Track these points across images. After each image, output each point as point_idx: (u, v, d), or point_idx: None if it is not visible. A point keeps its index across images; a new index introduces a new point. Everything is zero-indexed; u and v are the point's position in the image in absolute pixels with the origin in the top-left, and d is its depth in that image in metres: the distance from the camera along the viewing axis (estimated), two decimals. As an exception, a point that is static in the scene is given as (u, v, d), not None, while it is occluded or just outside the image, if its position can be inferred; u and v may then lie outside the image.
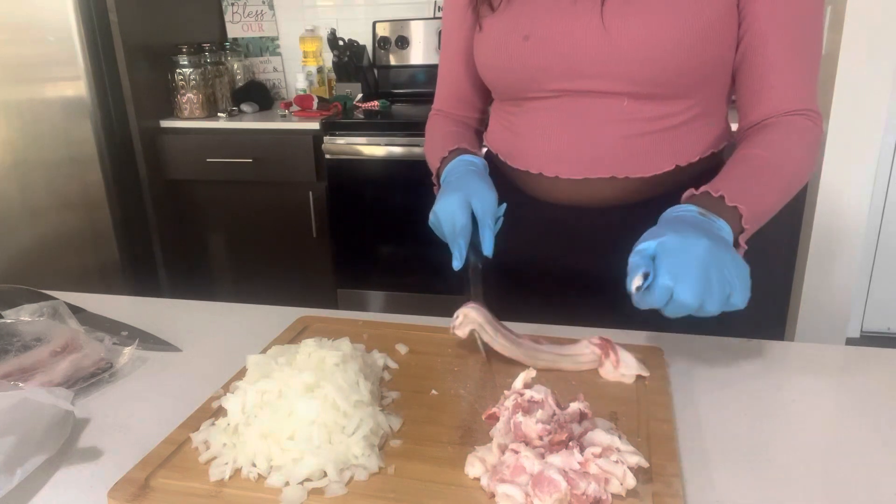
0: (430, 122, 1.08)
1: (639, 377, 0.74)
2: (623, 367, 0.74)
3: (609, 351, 0.75)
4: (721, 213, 0.73)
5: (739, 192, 0.75)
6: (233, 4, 2.93)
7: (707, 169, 0.89)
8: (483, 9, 0.92)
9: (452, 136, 0.99)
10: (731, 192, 0.75)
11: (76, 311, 0.91)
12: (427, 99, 1.10)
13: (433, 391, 0.72)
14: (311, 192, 2.48)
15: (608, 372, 0.75)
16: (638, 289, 0.64)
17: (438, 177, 0.96)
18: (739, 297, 0.65)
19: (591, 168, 0.89)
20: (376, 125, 2.41)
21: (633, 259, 0.66)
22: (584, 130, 0.88)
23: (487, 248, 0.83)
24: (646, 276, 0.64)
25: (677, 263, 0.64)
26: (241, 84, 2.81)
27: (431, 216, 0.88)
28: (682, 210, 0.73)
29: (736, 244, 0.74)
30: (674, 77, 0.83)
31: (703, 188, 0.76)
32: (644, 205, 0.85)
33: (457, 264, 0.82)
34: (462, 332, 0.78)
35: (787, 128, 0.83)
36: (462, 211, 0.83)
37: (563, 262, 0.94)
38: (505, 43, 0.89)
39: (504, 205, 0.88)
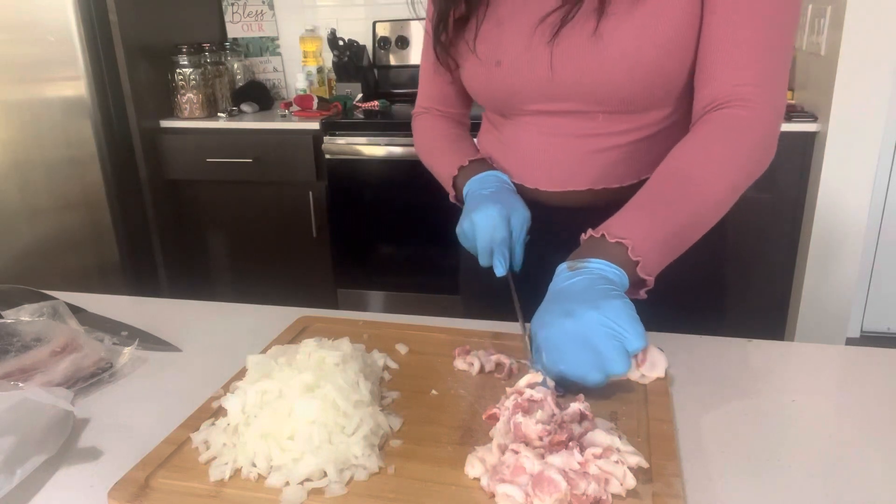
0: (421, 122, 1.08)
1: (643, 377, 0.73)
2: (646, 368, 0.73)
3: None
4: (603, 253, 0.72)
5: (628, 224, 0.74)
6: (233, 4, 2.93)
7: None
8: (453, 59, 0.94)
9: (462, 144, 1.01)
10: (615, 227, 0.73)
11: (76, 311, 0.91)
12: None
13: (433, 391, 0.72)
14: (311, 192, 2.48)
15: (630, 370, 0.72)
16: (558, 388, 0.69)
17: (455, 185, 0.97)
18: (634, 342, 0.65)
19: (568, 182, 0.91)
20: (376, 125, 2.41)
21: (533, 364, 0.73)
22: (561, 146, 0.89)
23: (518, 264, 0.87)
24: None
25: (549, 350, 0.68)
26: (241, 84, 2.81)
27: (465, 223, 0.88)
28: (556, 275, 0.73)
29: (640, 280, 0.73)
30: (643, 95, 0.83)
31: (590, 230, 0.75)
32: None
33: (501, 271, 0.84)
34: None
35: (713, 127, 0.78)
36: (503, 224, 0.86)
37: (552, 261, 0.95)
38: (482, 67, 0.90)
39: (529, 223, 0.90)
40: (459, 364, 0.77)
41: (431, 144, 1.04)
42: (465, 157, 0.97)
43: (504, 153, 0.96)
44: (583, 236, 0.76)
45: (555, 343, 0.67)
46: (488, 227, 0.85)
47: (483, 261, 0.87)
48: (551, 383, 0.68)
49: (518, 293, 0.84)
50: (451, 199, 1.00)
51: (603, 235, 0.73)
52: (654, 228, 0.74)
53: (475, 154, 0.98)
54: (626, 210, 0.76)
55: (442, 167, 1.00)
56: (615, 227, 0.74)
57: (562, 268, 0.74)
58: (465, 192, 0.94)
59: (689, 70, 0.82)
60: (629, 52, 0.79)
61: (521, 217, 0.88)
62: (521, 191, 0.94)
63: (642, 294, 0.75)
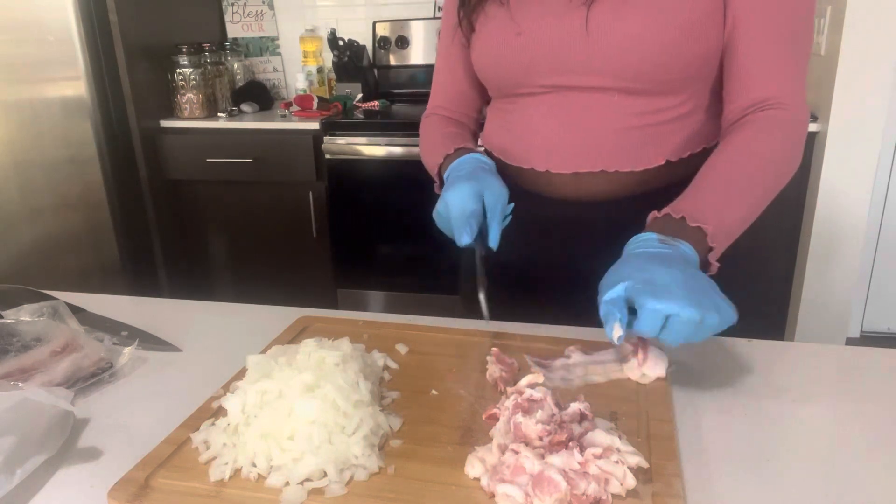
0: (425, 123, 1.08)
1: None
2: (647, 367, 0.73)
3: (638, 349, 0.74)
4: (684, 236, 0.72)
5: (703, 210, 0.75)
6: (233, 4, 2.93)
7: (698, 165, 0.89)
8: (469, 23, 0.94)
9: (454, 137, 1.00)
10: (693, 212, 0.74)
11: (76, 311, 0.91)
12: (427, 99, 1.10)
13: (433, 391, 0.72)
14: (311, 192, 2.48)
15: (630, 369, 0.74)
16: (620, 338, 0.63)
17: (440, 174, 0.96)
18: (727, 312, 0.65)
19: (581, 162, 0.90)
20: (376, 125, 2.41)
21: (605, 308, 0.65)
22: (574, 125, 0.89)
23: (494, 241, 0.84)
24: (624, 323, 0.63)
25: (657, 289, 0.63)
26: (241, 84, 2.81)
27: (439, 205, 0.87)
28: (643, 242, 0.71)
29: (706, 265, 0.74)
30: (660, 74, 0.84)
31: (665, 210, 0.75)
32: (636, 200, 0.86)
33: (466, 239, 0.81)
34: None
35: (762, 125, 0.81)
36: (473, 199, 0.84)
37: (559, 257, 0.95)
38: (499, 39, 0.90)
39: (512, 204, 0.89)
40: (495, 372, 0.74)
41: (427, 143, 1.04)
42: (452, 147, 0.96)
43: (512, 138, 0.96)
44: (656, 214, 0.76)
45: (658, 280, 0.64)
46: (460, 205, 0.83)
47: (459, 240, 0.84)
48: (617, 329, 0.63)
49: (485, 270, 0.82)
50: (436, 189, 0.99)
51: (683, 218, 0.73)
52: (724, 216, 0.75)
53: (463, 144, 0.97)
54: (696, 194, 0.77)
55: (431, 161, 1.00)
56: (694, 211, 0.74)
57: (650, 236, 0.72)
58: (444, 177, 0.94)
59: (707, 61, 0.84)
60: (656, 21, 0.80)
61: (497, 193, 0.86)
62: (533, 177, 0.94)
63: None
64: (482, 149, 1.02)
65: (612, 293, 0.65)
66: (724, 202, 0.77)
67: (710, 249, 0.74)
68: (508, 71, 0.92)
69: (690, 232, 0.73)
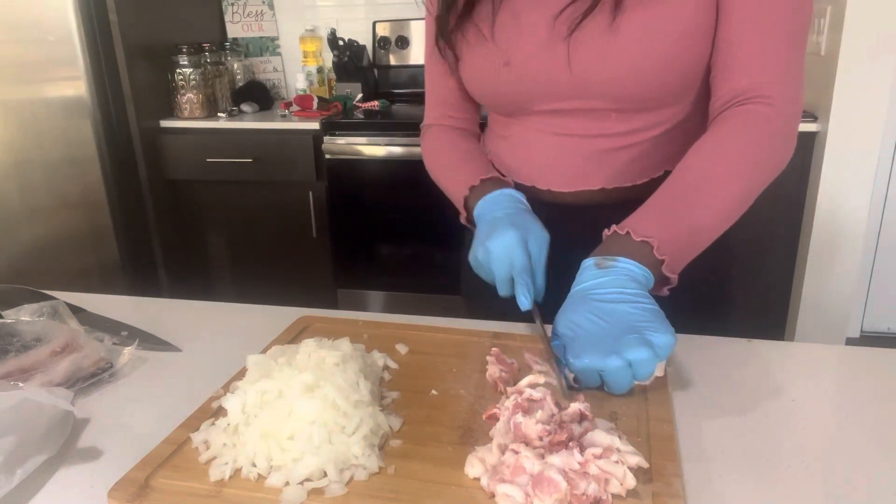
0: (430, 136, 1.04)
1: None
2: None
3: None
4: (630, 251, 0.72)
5: (653, 221, 0.74)
6: (233, 4, 2.93)
7: None
8: (452, 52, 0.92)
9: (472, 158, 0.97)
10: (640, 225, 0.74)
11: (76, 311, 0.90)
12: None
13: (433, 391, 0.72)
14: (311, 192, 2.48)
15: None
16: (576, 381, 0.70)
17: (467, 206, 0.93)
18: (659, 339, 0.65)
19: (580, 181, 0.90)
20: (376, 125, 2.41)
21: (557, 365, 0.72)
22: (572, 146, 0.89)
23: (540, 292, 0.82)
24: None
25: (577, 345, 0.69)
26: (241, 84, 2.81)
27: (479, 252, 0.83)
28: (582, 273, 0.74)
29: (664, 277, 0.74)
30: (656, 91, 0.82)
31: (613, 226, 0.75)
32: (640, 202, 0.86)
33: (527, 304, 0.78)
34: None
35: (739, 122, 0.78)
36: (521, 250, 0.80)
37: (559, 260, 0.95)
38: (487, 69, 0.89)
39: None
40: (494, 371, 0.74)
41: (441, 162, 1.00)
42: (476, 176, 0.91)
43: (513, 154, 0.95)
44: (606, 232, 0.76)
45: (584, 334, 0.69)
46: (505, 255, 0.80)
47: (502, 291, 0.82)
48: (570, 374, 0.69)
49: (544, 326, 0.79)
50: (463, 220, 0.95)
51: (628, 233, 0.73)
52: (678, 227, 0.74)
53: (487, 172, 0.93)
54: (649, 208, 0.76)
55: (452, 187, 0.96)
56: (640, 226, 0.74)
57: (588, 263, 0.73)
58: (476, 213, 0.90)
59: (703, 67, 0.82)
60: (644, 47, 0.79)
61: (540, 239, 0.83)
62: (533, 192, 0.93)
63: (665, 291, 0.76)
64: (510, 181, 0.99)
65: (553, 348, 0.73)
66: (682, 210, 0.75)
67: (662, 262, 0.73)
68: (500, 99, 0.91)
69: (637, 247, 0.72)
